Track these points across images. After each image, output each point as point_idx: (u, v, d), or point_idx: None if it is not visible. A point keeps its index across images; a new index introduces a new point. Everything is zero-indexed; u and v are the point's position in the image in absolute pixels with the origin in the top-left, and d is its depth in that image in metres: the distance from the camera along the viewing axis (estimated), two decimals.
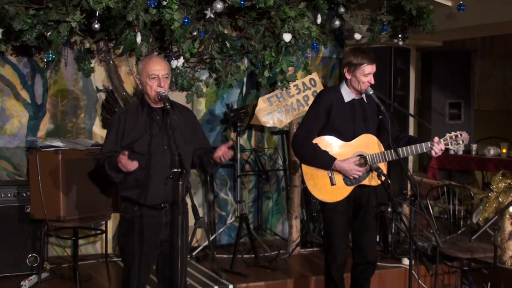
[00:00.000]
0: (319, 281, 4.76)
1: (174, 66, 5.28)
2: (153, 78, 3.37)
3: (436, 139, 3.82)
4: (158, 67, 3.37)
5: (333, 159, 3.88)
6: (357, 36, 5.82)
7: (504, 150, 6.60)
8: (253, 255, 5.33)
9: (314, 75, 5.81)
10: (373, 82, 3.88)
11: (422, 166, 7.75)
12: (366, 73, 3.86)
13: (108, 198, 4.76)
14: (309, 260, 5.54)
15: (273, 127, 5.91)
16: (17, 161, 5.25)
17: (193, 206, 3.08)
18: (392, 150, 3.83)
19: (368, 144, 3.95)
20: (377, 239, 5.54)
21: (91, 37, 5.21)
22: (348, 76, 3.93)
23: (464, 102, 7.49)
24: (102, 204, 4.74)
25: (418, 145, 3.84)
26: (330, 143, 3.94)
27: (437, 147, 3.80)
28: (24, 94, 5.27)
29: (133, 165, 3.24)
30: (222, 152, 3.36)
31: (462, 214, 5.48)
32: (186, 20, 4.76)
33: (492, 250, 4.50)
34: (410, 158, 6.66)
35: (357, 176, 3.89)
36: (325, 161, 3.89)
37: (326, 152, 3.90)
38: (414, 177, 5.66)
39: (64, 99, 5.40)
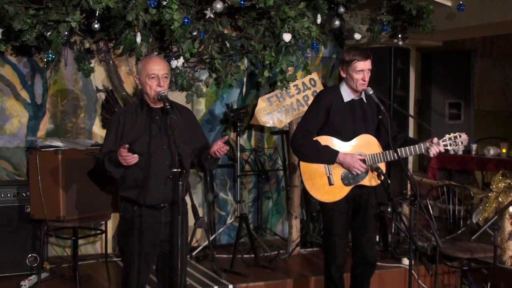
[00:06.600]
0: (319, 281, 4.76)
1: (174, 66, 5.27)
2: (153, 78, 3.37)
3: (435, 139, 3.79)
4: (157, 67, 3.38)
5: (337, 152, 3.87)
6: (357, 36, 5.82)
7: (504, 150, 6.59)
8: (253, 255, 5.33)
9: (314, 75, 5.81)
10: (366, 79, 3.83)
11: (422, 166, 7.74)
12: (358, 69, 3.82)
13: (108, 198, 4.76)
14: (309, 260, 5.54)
15: (273, 127, 5.91)
16: (17, 161, 5.25)
17: (193, 206, 3.08)
18: (391, 151, 3.82)
19: (367, 144, 3.94)
20: (377, 239, 5.54)
21: (91, 37, 5.21)
22: (343, 75, 3.92)
23: (464, 102, 7.49)
24: (102, 204, 4.74)
25: (416, 145, 3.82)
26: (329, 143, 3.93)
27: (435, 148, 3.77)
28: (24, 94, 5.27)
29: (133, 158, 3.23)
30: (218, 147, 3.37)
31: (462, 214, 5.48)
32: (186, 20, 4.77)
33: (492, 250, 4.49)
34: (410, 158, 6.64)
35: (359, 172, 3.88)
36: (329, 155, 3.87)
37: (328, 147, 3.89)
38: (414, 177, 5.65)
39: (64, 99, 5.40)
